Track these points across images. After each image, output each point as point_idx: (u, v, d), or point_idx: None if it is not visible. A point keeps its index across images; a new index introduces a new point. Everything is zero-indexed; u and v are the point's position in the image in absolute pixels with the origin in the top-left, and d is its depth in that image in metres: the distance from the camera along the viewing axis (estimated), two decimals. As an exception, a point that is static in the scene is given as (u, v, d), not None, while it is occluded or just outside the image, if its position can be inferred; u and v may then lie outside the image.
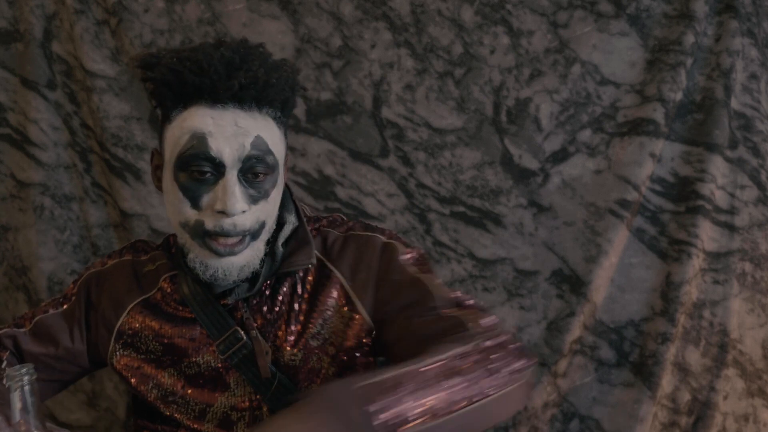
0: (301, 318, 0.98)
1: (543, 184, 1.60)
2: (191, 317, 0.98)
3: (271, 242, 0.97)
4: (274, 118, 0.92)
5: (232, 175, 0.87)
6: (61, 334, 1.03)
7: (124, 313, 1.01)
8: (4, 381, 0.73)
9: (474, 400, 0.73)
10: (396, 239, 1.02)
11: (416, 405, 0.69)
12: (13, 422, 0.73)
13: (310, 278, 0.99)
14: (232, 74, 0.87)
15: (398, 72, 1.59)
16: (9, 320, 1.65)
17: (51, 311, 1.05)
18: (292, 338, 0.97)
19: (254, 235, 0.91)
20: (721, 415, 1.59)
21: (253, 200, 0.89)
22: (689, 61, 1.55)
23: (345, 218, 1.07)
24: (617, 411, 1.59)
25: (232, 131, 0.87)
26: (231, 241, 0.89)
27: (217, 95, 0.87)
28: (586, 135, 1.59)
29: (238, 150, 0.87)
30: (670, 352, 1.57)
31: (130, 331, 1.01)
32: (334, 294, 0.98)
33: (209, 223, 0.88)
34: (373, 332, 0.98)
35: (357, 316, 0.98)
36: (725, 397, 1.59)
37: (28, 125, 1.60)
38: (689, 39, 1.54)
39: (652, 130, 1.55)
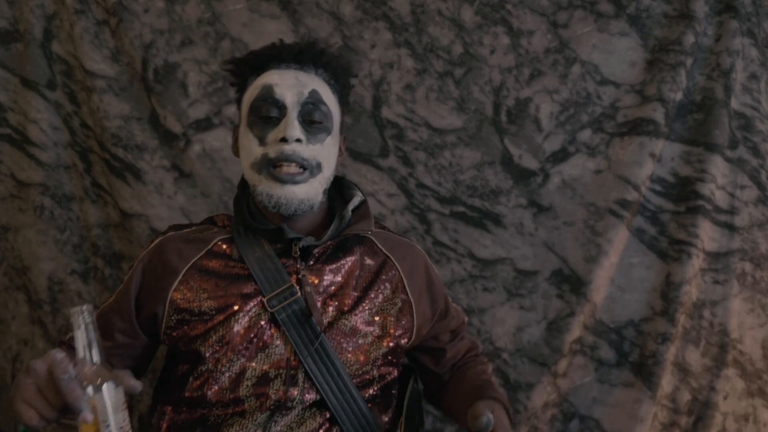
0: (358, 292, 1.09)
1: (543, 184, 1.60)
2: (246, 273, 1.06)
3: (341, 207, 1.14)
4: (328, 83, 1.12)
5: (293, 115, 1.05)
6: (116, 325, 1.08)
7: (179, 278, 1.06)
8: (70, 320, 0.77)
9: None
10: None
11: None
12: (78, 358, 0.75)
13: (370, 261, 1.13)
14: (295, 44, 1.13)
15: (398, 72, 1.59)
16: (9, 320, 1.65)
17: (105, 304, 1.11)
18: (346, 306, 1.07)
19: (312, 171, 1.06)
20: (721, 415, 1.59)
21: (309, 138, 1.06)
22: (689, 61, 1.55)
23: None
24: (617, 411, 1.59)
25: (293, 82, 1.07)
26: (293, 169, 1.04)
27: (282, 58, 1.10)
28: (586, 135, 1.59)
29: (297, 95, 1.06)
30: (670, 352, 1.57)
31: (184, 295, 1.05)
32: (394, 280, 1.13)
33: (272, 153, 1.04)
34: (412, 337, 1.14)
35: (408, 313, 1.13)
36: (725, 397, 1.59)
37: (28, 125, 1.60)
38: (689, 39, 1.54)
39: (652, 130, 1.55)
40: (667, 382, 1.59)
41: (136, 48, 1.57)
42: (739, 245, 1.59)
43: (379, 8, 1.59)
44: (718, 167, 1.56)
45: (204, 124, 1.59)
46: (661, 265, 1.59)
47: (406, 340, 1.12)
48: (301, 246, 1.06)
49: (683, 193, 1.59)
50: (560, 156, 1.59)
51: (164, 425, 1.05)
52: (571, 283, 1.58)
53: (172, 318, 1.05)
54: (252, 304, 1.04)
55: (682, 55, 1.54)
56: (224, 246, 1.09)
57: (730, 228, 1.59)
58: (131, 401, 1.60)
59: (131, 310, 1.08)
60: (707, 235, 1.58)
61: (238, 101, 1.16)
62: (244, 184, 1.15)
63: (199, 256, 1.07)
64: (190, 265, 1.06)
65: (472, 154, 1.60)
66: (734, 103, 1.58)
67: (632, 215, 1.58)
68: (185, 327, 1.04)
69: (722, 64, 1.55)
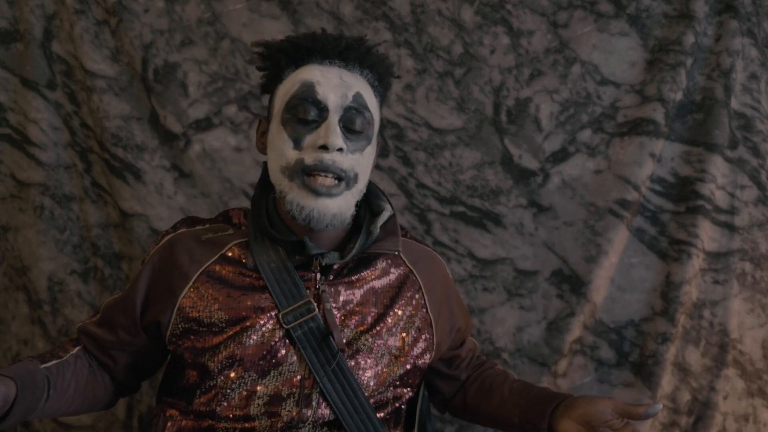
0: (379, 309, 1.03)
1: (543, 184, 1.60)
2: (261, 285, 1.00)
3: (369, 222, 1.05)
4: (372, 85, 1.05)
5: (334, 119, 0.97)
6: (119, 320, 1.05)
7: (189, 284, 1.00)
8: None
9: None
10: None
11: None
12: None
13: (392, 276, 1.07)
14: (340, 37, 1.04)
15: (398, 72, 1.59)
16: (9, 320, 1.65)
17: (113, 297, 1.08)
18: (366, 324, 1.02)
19: (348, 183, 0.98)
20: (721, 415, 1.59)
21: (349, 147, 0.98)
22: (689, 61, 1.55)
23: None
24: (617, 411, 1.59)
25: (337, 82, 0.99)
26: (329, 181, 0.96)
27: (326, 53, 1.01)
28: (586, 135, 1.59)
29: (341, 98, 0.98)
30: (670, 352, 1.57)
31: (194, 304, 1.00)
32: (416, 296, 1.08)
33: (309, 160, 0.96)
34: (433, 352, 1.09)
35: (427, 331, 1.08)
36: (725, 397, 1.59)
37: (28, 125, 1.60)
38: (689, 39, 1.54)
39: (652, 130, 1.55)
40: (667, 382, 1.59)
41: (136, 48, 1.57)
42: (739, 245, 1.59)
43: (379, 8, 1.59)
44: (718, 167, 1.56)
45: (204, 124, 1.59)
46: (661, 265, 1.59)
47: (425, 360, 1.07)
48: (324, 263, 1.00)
49: (683, 193, 1.59)
50: (560, 156, 1.60)
51: (171, 430, 1.02)
52: (571, 283, 1.58)
53: (179, 326, 1.00)
54: (266, 318, 0.98)
55: (682, 55, 1.54)
56: (238, 252, 1.03)
57: (730, 228, 1.59)
58: (130, 401, 1.60)
59: (135, 308, 1.04)
60: (707, 235, 1.58)
61: (269, 91, 1.07)
62: (265, 184, 1.07)
63: (211, 261, 1.01)
64: (201, 270, 1.01)
65: (472, 154, 1.60)
66: (734, 103, 1.58)
67: (632, 215, 1.58)
68: (192, 337, 0.99)
69: (722, 64, 1.55)
